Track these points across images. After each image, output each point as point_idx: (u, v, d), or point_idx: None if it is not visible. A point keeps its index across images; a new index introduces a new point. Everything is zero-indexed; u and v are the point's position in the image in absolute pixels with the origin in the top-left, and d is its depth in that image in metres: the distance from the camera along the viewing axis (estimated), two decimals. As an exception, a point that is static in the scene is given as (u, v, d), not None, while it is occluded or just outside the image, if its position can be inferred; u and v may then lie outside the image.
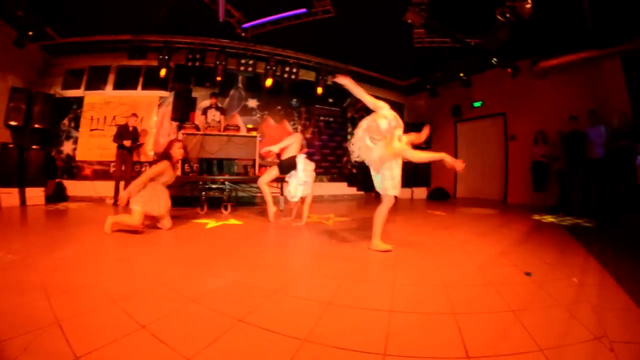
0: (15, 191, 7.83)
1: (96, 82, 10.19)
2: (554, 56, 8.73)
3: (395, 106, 13.26)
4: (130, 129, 8.56)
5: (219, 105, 9.59)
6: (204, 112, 9.25)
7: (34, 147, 8.44)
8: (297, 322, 2.04)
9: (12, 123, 8.29)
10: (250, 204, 9.18)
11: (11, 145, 8.03)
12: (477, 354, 1.65)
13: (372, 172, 4.03)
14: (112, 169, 9.62)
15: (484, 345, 1.76)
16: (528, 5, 6.65)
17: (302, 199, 5.85)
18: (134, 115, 8.51)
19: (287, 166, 5.82)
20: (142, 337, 1.84)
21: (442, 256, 3.69)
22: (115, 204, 8.17)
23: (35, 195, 8.15)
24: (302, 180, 5.62)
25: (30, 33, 7.85)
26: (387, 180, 3.91)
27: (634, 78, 7.44)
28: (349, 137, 12.44)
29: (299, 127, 11.34)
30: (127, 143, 8.36)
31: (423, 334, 1.92)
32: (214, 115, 9.10)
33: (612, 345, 1.72)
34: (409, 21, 7.90)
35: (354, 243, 4.34)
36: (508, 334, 1.88)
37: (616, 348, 1.69)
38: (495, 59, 8.97)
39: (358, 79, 11.74)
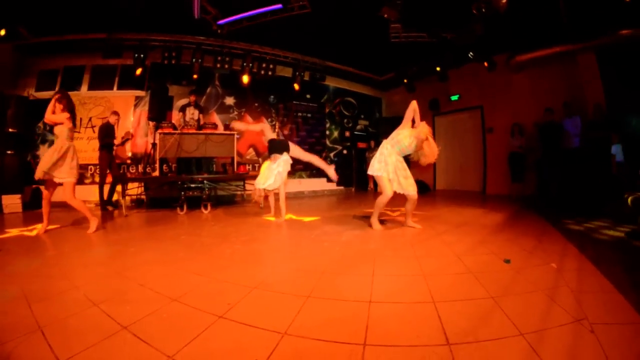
0: None
1: (71, 82, 9.90)
2: (530, 50, 8.86)
3: (372, 101, 13.49)
4: (116, 127, 8.31)
5: (198, 103, 9.45)
6: (182, 109, 9.10)
7: (9, 152, 8.16)
8: (277, 316, 2.03)
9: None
10: (230, 202, 9.09)
11: None
12: (457, 340, 1.65)
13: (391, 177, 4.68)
14: (89, 172, 9.46)
15: (464, 331, 1.75)
16: (504, 0, 6.71)
17: (276, 195, 5.86)
18: (115, 113, 8.25)
19: (278, 147, 5.86)
20: (124, 338, 1.84)
21: (421, 246, 3.69)
22: (103, 208, 7.88)
23: (13, 202, 7.89)
24: (274, 171, 5.65)
25: (2, 32, 7.58)
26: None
27: (608, 71, 7.59)
28: (327, 132, 12.54)
29: (277, 124, 11.26)
30: (117, 141, 8.15)
31: (403, 323, 1.91)
32: (192, 113, 8.95)
33: (592, 327, 1.74)
34: (385, 16, 7.90)
35: (333, 237, 4.31)
36: (488, 320, 1.88)
37: (596, 329, 1.71)
38: (471, 53, 9.08)
39: (335, 74, 11.81)
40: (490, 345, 1.60)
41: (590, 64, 7.88)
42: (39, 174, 4.81)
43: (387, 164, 4.67)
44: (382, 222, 4.99)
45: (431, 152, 4.66)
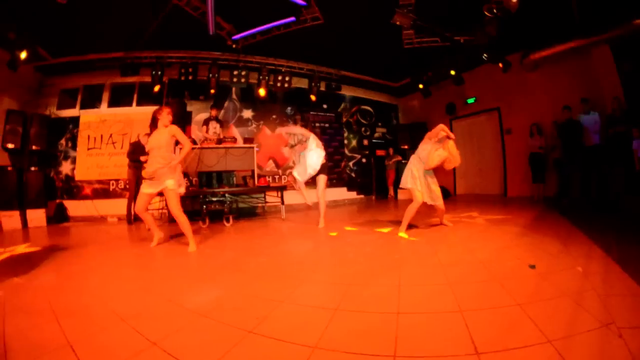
0: (16, 214, 7.84)
1: (91, 100, 10.22)
2: (543, 48, 8.78)
3: (388, 108, 13.48)
4: (143, 146, 8.51)
5: (218, 116, 9.60)
6: (206, 123, 9.21)
7: (33, 168, 8.47)
8: (306, 330, 2.05)
9: (10, 146, 8.29)
10: (251, 214, 9.19)
11: (10, 168, 8.05)
12: (486, 349, 1.66)
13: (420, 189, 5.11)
14: (112, 187, 9.75)
15: (493, 340, 1.76)
16: (514, 0, 6.71)
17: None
18: (148, 135, 8.48)
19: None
20: (154, 354, 1.84)
21: (445, 254, 3.70)
22: (130, 222, 8.08)
23: (37, 217, 8.16)
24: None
25: (23, 55, 7.82)
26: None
27: (624, 63, 7.48)
28: (345, 141, 12.57)
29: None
30: (143, 158, 8.37)
31: (431, 333, 1.93)
32: (214, 127, 9.09)
33: (620, 331, 1.73)
34: (398, 23, 7.94)
35: (357, 248, 4.34)
36: (516, 328, 1.89)
37: (625, 334, 1.70)
38: (485, 55, 9.01)
39: (350, 83, 11.87)
40: (518, 353, 1.62)
41: (605, 57, 7.78)
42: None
43: (416, 178, 5.11)
44: (409, 226, 5.23)
45: (454, 156, 5.07)
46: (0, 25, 7.25)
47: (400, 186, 5.43)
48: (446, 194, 11.38)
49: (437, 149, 4.99)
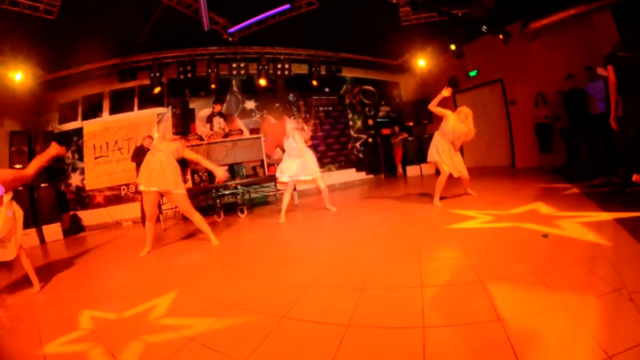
0: (32, 231, 7.86)
1: (92, 110, 10.28)
2: (543, 16, 8.61)
3: (391, 86, 13.40)
4: (146, 149, 8.62)
5: (222, 111, 9.66)
6: (209, 120, 9.29)
7: (43, 185, 8.54)
8: (337, 310, 2.16)
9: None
10: (264, 203, 9.32)
11: (20, 188, 8.06)
12: (507, 316, 1.78)
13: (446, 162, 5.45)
14: (123, 192, 9.94)
15: (513, 307, 1.88)
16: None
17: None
18: (150, 137, 8.52)
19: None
20: (194, 349, 1.96)
21: (461, 228, 3.78)
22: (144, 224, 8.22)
23: (53, 231, 8.23)
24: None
25: (18, 76, 7.91)
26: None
27: (625, 28, 7.41)
28: (350, 123, 12.59)
29: (301, 121, 11.42)
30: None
31: (456, 303, 2.05)
32: (219, 122, 9.17)
33: (631, 295, 1.82)
34: (394, 1, 7.91)
35: (374, 228, 4.43)
36: (533, 294, 2.01)
37: (635, 298, 1.78)
38: (485, 27, 8.93)
39: (351, 64, 11.84)
40: (537, 318, 1.74)
41: (607, 22, 7.66)
42: None
43: (441, 152, 5.44)
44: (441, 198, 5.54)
45: (471, 130, 5.52)
46: None
47: (428, 159, 5.72)
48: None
49: (460, 124, 5.42)
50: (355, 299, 2.28)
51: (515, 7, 8.60)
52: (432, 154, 5.53)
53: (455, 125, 5.40)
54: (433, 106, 5.47)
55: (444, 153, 5.42)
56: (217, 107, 9.33)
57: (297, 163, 5.99)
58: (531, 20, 8.87)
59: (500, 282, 2.22)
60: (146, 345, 2.07)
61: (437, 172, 9.02)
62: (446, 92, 5.37)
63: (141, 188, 4.72)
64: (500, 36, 9.23)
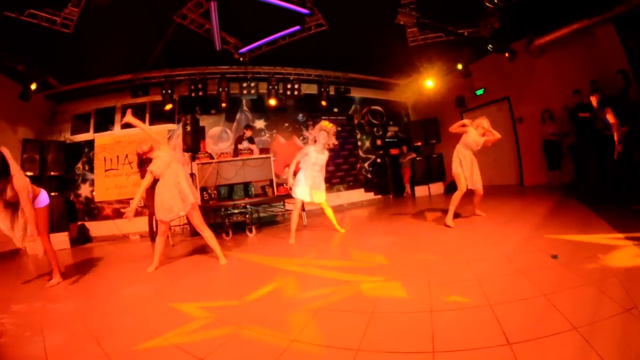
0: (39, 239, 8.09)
1: (104, 123, 10.48)
2: (547, 32, 8.71)
3: (399, 106, 13.45)
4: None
5: (252, 137, 9.64)
6: (238, 141, 9.30)
7: (53, 194, 8.66)
8: (346, 334, 2.17)
9: (28, 174, 8.48)
10: (272, 223, 9.35)
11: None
12: (516, 340, 1.79)
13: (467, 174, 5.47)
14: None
15: (522, 330, 1.89)
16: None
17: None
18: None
19: None
20: None
21: (470, 250, 3.79)
22: (153, 239, 8.06)
23: (60, 240, 8.36)
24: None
25: (33, 86, 8.11)
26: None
27: (628, 39, 7.41)
28: (359, 143, 12.62)
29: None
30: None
31: (465, 327, 2.06)
32: (245, 147, 9.13)
33: None
34: (401, 22, 8.00)
35: (383, 248, 4.45)
36: (543, 317, 2.02)
37: None
38: (490, 46, 9.02)
39: (359, 85, 11.93)
40: (547, 341, 1.75)
41: (610, 36, 7.71)
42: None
43: (463, 165, 5.47)
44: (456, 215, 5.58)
45: (495, 136, 5.67)
46: (10, 59, 7.52)
47: (453, 171, 5.65)
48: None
49: (481, 137, 5.53)
50: (365, 323, 2.28)
51: (519, 24, 8.69)
52: (456, 165, 5.54)
53: (476, 139, 5.49)
54: (454, 129, 5.61)
55: (465, 162, 5.46)
56: (248, 133, 9.37)
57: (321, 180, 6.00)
58: (535, 36, 8.99)
59: (509, 306, 2.23)
60: None
61: (446, 192, 8.97)
62: (467, 122, 5.56)
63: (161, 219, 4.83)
64: (506, 54, 9.31)
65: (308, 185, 5.82)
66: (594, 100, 6.09)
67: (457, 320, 2.17)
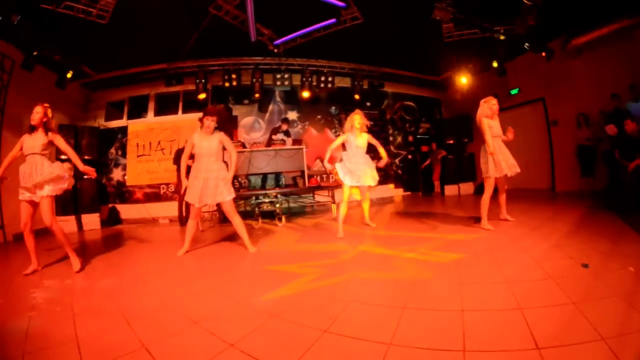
0: (72, 218, 8.63)
1: (137, 110, 10.87)
2: (585, 32, 8.45)
3: (431, 102, 13.37)
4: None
5: (289, 130, 9.87)
6: (274, 132, 9.55)
7: (86, 176, 9.13)
8: (378, 328, 2.23)
9: (63, 157, 8.88)
10: (301, 214, 9.49)
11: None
12: (545, 345, 1.84)
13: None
14: (162, 191, 10.41)
15: (551, 336, 1.94)
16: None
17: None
18: None
19: None
20: (234, 356, 2.00)
21: (500, 253, 3.83)
22: (182, 224, 8.34)
23: (91, 220, 8.94)
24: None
25: (69, 75, 8.53)
26: None
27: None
28: (390, 138, 12.65)
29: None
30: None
31: (495, 329, 2.12)
32: (281, 139, 9.39)
33: None
34: (438, 18, 7.95)
35: (413, 247, 4.47)
36: (572, 325, 2.05)
37: None
38: (527, 44, 8.84)
39: (392, 79, 11.91)
40: (574, 349, 1.79)
41: (650, 38, 7.41)
42: None
43: (494, 159, 5.17)
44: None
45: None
46: (47, 49, 7.82)
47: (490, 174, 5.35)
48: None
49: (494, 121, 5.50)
50: (397, 318, 2.34)
51: (557, 23, 8.45)
52: (490, 168, 5.20)
53: (491, 124, 5.42)
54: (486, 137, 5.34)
55: (498, 150, 5.17)
56: (284, 126, 9.60)
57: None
58: (573, 36, 8.73)
59: (539, 311, 2.27)
60: (181, 349, 2.16)
61: (475, 192, 8.88)
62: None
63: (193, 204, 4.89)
64: (543, 54, 9.05)
65: (355, 169, 5.69)
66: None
67: (487, 321, 2.23)
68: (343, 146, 6.00)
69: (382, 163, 5.96)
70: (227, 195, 4.85)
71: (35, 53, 7.66)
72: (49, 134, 4.33)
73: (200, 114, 5.08)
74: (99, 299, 3.21)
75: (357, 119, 5.88)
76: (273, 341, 2.18)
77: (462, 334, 2.05)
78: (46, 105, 4.39)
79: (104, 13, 7.01)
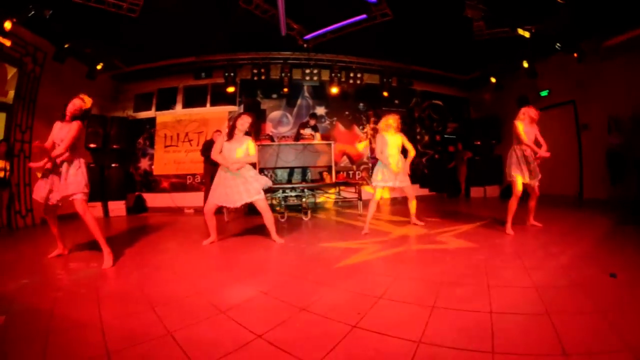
0: (98, 205, 9.02)
1: (166, 102, 11.10)
2: (619, 33, 8.23)
3: (459, 102, 13.26)
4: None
5: (317, 125, 9.96)
6: (303, 127, 9.65)
7: (114, 165, 9.57)
8: (407, 326, 2.28)
9: (92, 145, 9.43)
10: (327, 208, 9.58)
11: (92, 165, 9.18)
12: (572, 351, 1.87)
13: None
14: (188, 181, 10.72)
15: (578, 343, 1.97)
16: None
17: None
18: (219, 131, 8.87)
19: None
20: (261, 347, 2.03)
21: (528, 258, 3.82)
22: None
23: (117, 207, 9.35)
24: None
25: (99, 66, 8.81)
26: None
27: None
28: (417, 137, 12.60)
29: (369, 132, 11.62)
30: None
31: (523, 333, 2.15)
32: (309, 133, 9.50)
33: None
34: (469, 16, 7.93)
35: (441, 246, 4.55)
36: (599, 333, 2.08)
37: None
38: (558, 44, 8.68)
39: (421, 77, 11.89)
40: (601, 357, 1.82)
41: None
42: None
43: (522, 164, 5.22)
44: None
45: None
46: (79, 43, 8.11)
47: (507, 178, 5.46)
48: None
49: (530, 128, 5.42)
50: (426, 316, 2.38)
51: (589, 23, 8.21)
52: (514, 171, 5.21)
53: (526, 130, 5.32)
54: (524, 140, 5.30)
55: (522, 160, 5.18)
56: (312, 122, 9.70)
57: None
58: (606, 37, 8.52)
59: (566, 317, 2.29)
60: (207, 337, 2.21)
61: (501, 196, 8.80)
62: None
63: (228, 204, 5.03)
64: (575, 55, 8.81)
65: (389, 170, 5.73)
66: None
67: (516, 325, 2.25)
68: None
69: (408, 162, 5.97)
70: (254, 195, 4.92)
71: (66, 46, 7.95)
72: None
73: (228, 107, 5.10)
74: (124, 283, 3.33)
75: (393, 117, 5.99)
76: (301, 334, 2.20)
77: (491, 335, 2.08)
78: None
79: (134, 7, 7.23)
